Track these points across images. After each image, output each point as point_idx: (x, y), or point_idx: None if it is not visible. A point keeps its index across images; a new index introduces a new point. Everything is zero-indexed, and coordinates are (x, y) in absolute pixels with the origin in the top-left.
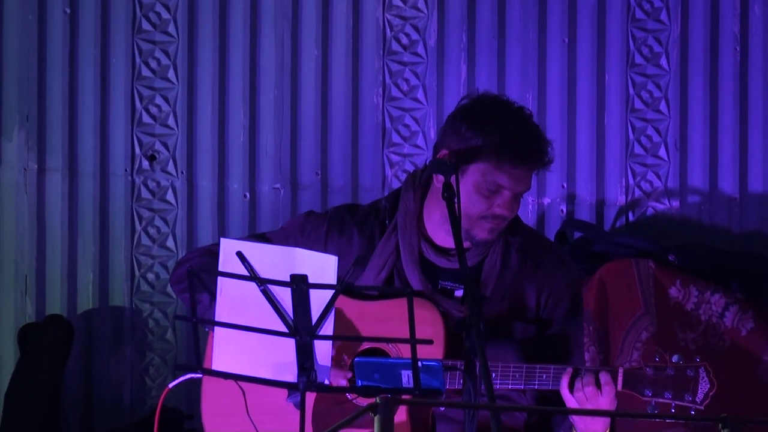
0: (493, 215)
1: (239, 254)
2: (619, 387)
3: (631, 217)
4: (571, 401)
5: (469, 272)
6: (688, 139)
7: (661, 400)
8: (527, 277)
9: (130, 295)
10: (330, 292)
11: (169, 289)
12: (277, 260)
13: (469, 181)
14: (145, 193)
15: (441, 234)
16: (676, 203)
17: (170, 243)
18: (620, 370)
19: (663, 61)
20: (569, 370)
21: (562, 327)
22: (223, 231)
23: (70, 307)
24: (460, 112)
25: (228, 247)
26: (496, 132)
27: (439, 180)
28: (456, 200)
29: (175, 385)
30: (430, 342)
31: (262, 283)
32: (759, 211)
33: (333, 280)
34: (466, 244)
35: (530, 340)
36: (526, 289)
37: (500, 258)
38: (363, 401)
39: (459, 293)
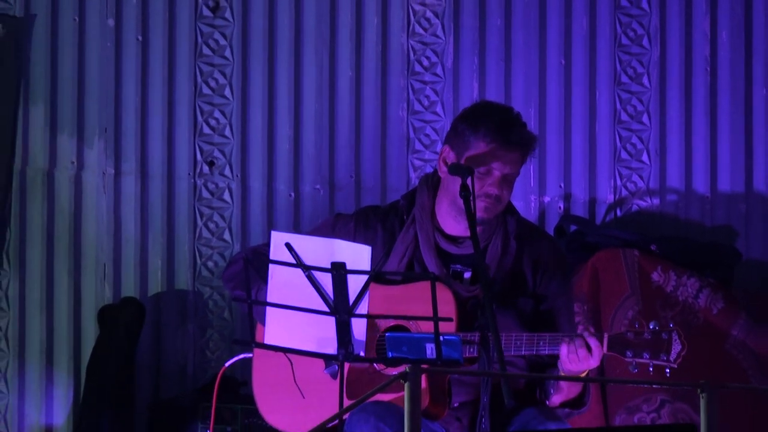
0: (486, 194)
1: (287, 245)
2: (605, 350)
3: (618, 213)
4: (566, 362)
5: (482, 260)
6: (666, 146)
7: (640, 360)
8: (524, 259)
9: (193, 280)
10: (365, 277)
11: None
12: (319, 250)
13: (466, 166)
14: (205, 194)
15: (450, 223)
16: (656, 201)
17: (227, 236)
18: (605, 335)
19: (645, 80)
20: (562, 338)
21: (555, 299)
22: (271, 225)
23: (142, 290)
24: (459, 115)
25: (278, 239)
26: (486, 125)
27: (455, 182)
28: (472, 199)
29: (231, 363)
30: (450, 320)
31: (307, 270)
32: (727, 208)
33: (367, 267)
34: (462, 229)
35: (529, 311)
36: (524, 268)
37: (501, 244)
38: (390, 371)
39: (467, 275)
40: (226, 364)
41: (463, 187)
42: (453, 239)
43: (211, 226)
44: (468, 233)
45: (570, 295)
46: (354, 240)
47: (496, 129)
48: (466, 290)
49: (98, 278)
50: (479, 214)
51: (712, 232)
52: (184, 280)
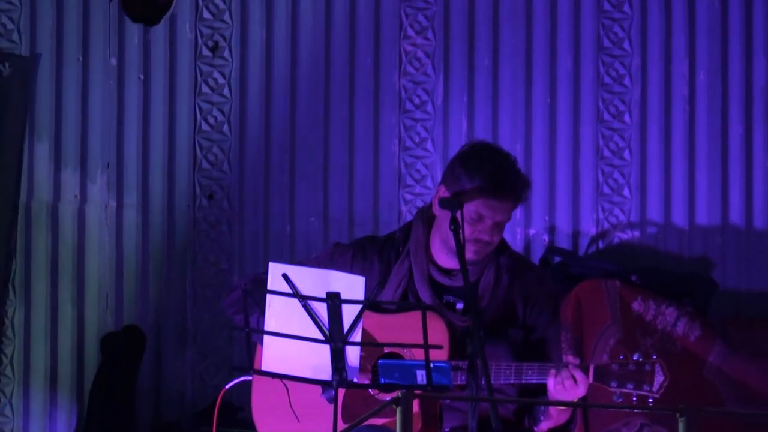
0: (476, 239)
1: (284, 276)
2: (591, 380)
3: (600, 245)
4: (553, 392)
5: (472, 290)
6: (646, 181)
7: (624, 390)
8: (515, 291)
9: (192, 308)
10: (359, 306)
11: (222, 304)
12: (315, 280)
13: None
14: (203, 226)
15: (443, 258)
16: (637, 233)
17: (224, 266)
18: (591, 366)
19: (626, 118)
20: (550, 368)
21: (544, 331)
22: (267, 256)
23: (143, 319)
24: (457, 157)
25: (275, 270)
26: (482, 174)
27: (446, 215)
28: (461, 231)
29: (231, 386)
30: (440, 347)
31: (303, 299)
32: (704, 240)
33: (361, 297)
34: (454, 262)
35: (519, 342)
36: (515, 300)
37: (493, 277)
38: (383, 396)
39: (459, 306)
40: (227, 386)
41: (453, 220)
42: (446, 271)
43: (210, 257)
44: (457, 265)
45: (558, 326)
46: (351, 269)
47: (491, 181)
48: (459, 320)
49: (101, 307)
50: (468, 255)
51: (689, 263)
52: (184, 309)
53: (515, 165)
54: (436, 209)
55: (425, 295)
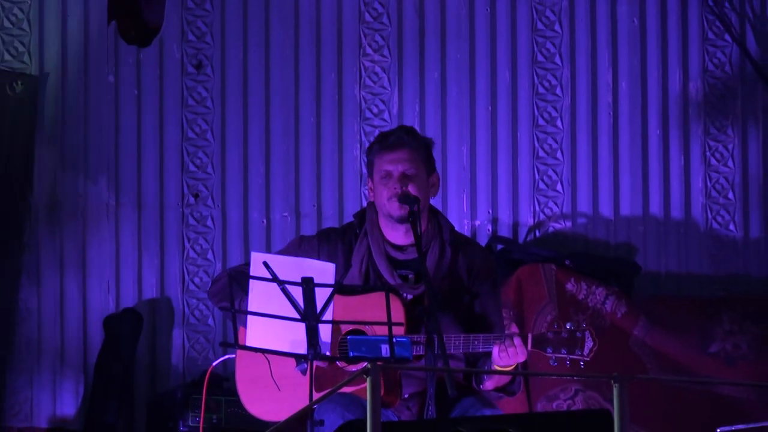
0: (393, 193)
1: (265, 263)
2: (529, 347)
3: (537, 234)
4: (497, 359)
5: (428, 276)
6: (576, 177)
7: (559, 355)
8: (458, 263)
9: (182, 293)
10: (330, 289)
11: (207, 290)
12: (291, 267)
13: (375, 179)
14: (191, 221)
15: (391, 233)
16: (569, 223)
17: (210, 256)
18: (529, 335)
19: (558, 123)
20: (494, 339)
21: (486, 299)
22: (247, 247)
23: (140, 302)
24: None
25: (257, 258)
26: (373, 143)
27: (380, 195)
28: (418, 224)
29: (220, 362)
30: (401, 324)
31: (281, 284)
32: (627, 229)
33: (332, 281)
34: (408, 239)
35: (464, 310)
36: (459, 269)
37: (438, 250)
38: (351, 368)
39: (411, 276)
40: (214, 364)
41: (411, 213)
42: (398, 247)
43: (197, 248)
44: (408, 241)
45: (498, 295)
46: (319, 254)
47: (378, 140)
48: (411, 290)
49: (103, 292)
50: (396, 212)
51: (615, 248)
52: (175, 293)
53: (402, 128)
54: (371, 197)
55: (384, 269)
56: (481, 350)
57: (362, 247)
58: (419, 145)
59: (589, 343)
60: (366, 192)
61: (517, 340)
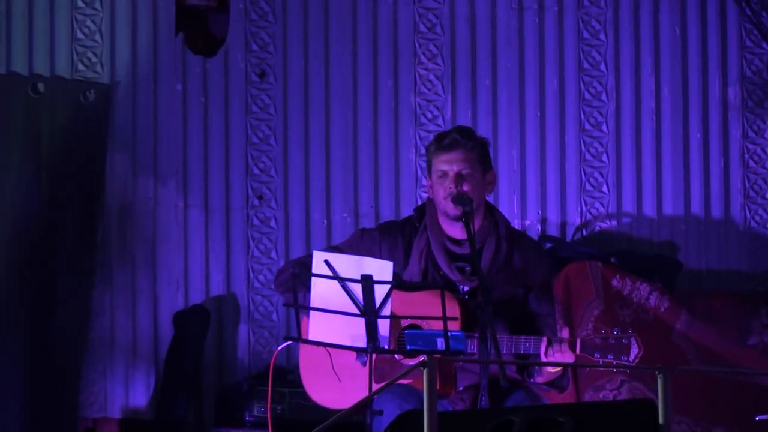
0: (448, 193)
1: (326, 262)
2: (578, 351)
3: (584, 233)
4: (544, 359)
5: (477, 256)
6: (621, 179)
7: (605, 360)
8: (514, 255)
9: (248, 290)
10: (388, 286)
11: (272, 285)
12: (351, 265)
13: (433, 178)
14: (255, 222)
15: (449, 227)
16: (614, 223)
17: (273, 255)
18: (578, 340)
19: (603, 127)
20: (545, 340)
21: (540, 291)
22: (308, 247)
23: (207, 299)
24: None
25: (318, 257)
26: (431, 143)
27: (437, 193)
28: (472, 222)
29: (281, 349)
30: (456, 319)
31: (342, 281)
32: (670, 228)
33: (390, 278)
34: (462, 233)
35: (519, 299)
36: (514, 262)
37: (495, 244)
38: (408, 361)
39: (468, 268)
40: (278, 349)
41: (464, 214)
42: (456, 241)
43: (261, 247)
44: (465, 235)
45: (551, 286)
46: (380, 246)
47: (434, 142)
48: (468, 281)
49: (172, 290)
50: (451, 211)
51: (658, 246)
52: (241, 290)
53: (459, 128)
54: (429, 192)
55: (442, 262)
56: (531, 352)
57: (422, 241)
58: (474, 145)
59: (634, 350)
60: (421, 194)
61: (564, 346)
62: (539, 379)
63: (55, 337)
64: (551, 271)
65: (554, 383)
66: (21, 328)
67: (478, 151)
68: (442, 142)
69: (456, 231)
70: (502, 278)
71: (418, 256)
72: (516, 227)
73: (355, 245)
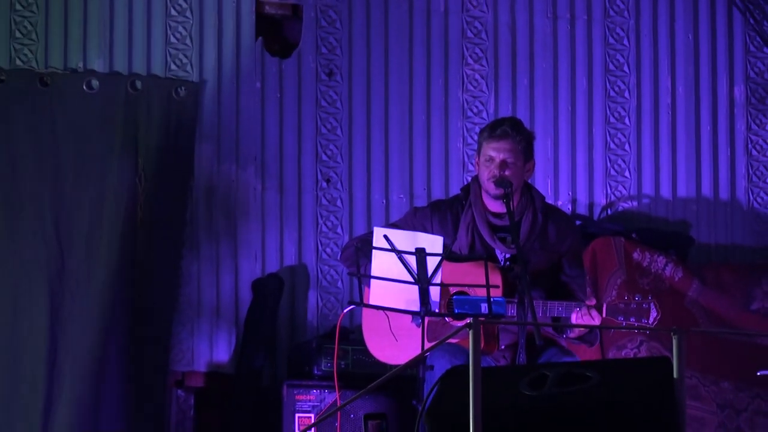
0: (491, 176)
1: (385, 236)
2: (604, 314)
3: (609, 212)
4: (574, 320)
5: (516, 228)
6: (641, 166)
7: (628, 322)
8: (548, 225)
9: (317, 261)
10: (438, 257)
11: (338, 258)
12: (407, 239)
13: (480, 159)
14: (324, 201)
15: (491, 203)
16: (635, 203)
17: (339, 230)
18: (604, 305)
19: (626, 120)
20: (574, 306)
21: (571, 256)
22: (369, 223)
23: (282, 268)
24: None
25: (378, 232)
26: (484, 129)
27: (482, 174)
28: (511, 200)
29: (346, 312)
30: (497, 287)
31: (399, 253)
32: (683, 208)
33: (440, 251)
34: (502, 207)
35: (554, 265)
36: (549, 231)
37: (531, 216)
38: (456, 323)
39: (508, 238)
40: (344, 311)
41: (505, 195)
42: (497, 215)
43: (328, 224)
44: (504, 209)
45: (580, 252)
46: (431, 221)
47: (488, 128)
48: (509, 248)
49: (251, 260)
50: (492, 190)
51: (673, 224)
52: (311, 261)
53: (510, 120)
54: (476, 168)
55: (485, 233)
56: (564, 315)
57: (467, 216)
58: (522, 138)
59: (653, 313)
60: (467, 177)
61: (592, 310)
62: (571, 335)
63: (151, 300)
64: (580, 241)
65: (584, 338)
66: (125, 292)
67: (523, 144)
68: (495, 131)
69: (497, 206)
70: (539, 246)
71: (465, 229)
72: None
73: (410, 222)
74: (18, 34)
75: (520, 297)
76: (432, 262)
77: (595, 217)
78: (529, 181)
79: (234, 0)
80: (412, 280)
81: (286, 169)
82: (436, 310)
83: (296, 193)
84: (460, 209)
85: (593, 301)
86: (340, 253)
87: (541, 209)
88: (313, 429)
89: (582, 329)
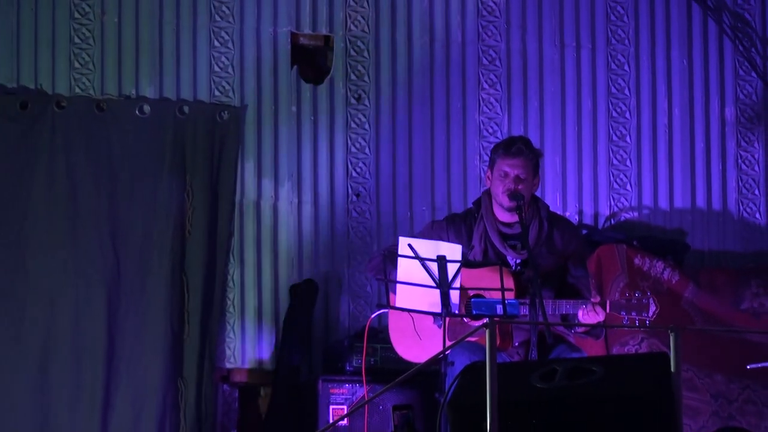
0: (505, 189)
1: (410, 245)
2: (608, 310)
3: (612, 222)
4: (581, 319)
5: (524, 236)
6: (642, 180)
7: (629, 316)
8: (554, 232)
9: (347, 267)
10: (458, 264)
11: (364, 268)
12: (429, 248)
13: (494, 174)
14: (354, 214)
15: (502, 214)
16: (636, 214)
17: (368, 240)
18: (608, 302)
19: (627, 139)
20: (581, 304)
21: (575, 259)
22: (396, 233)
23: (316, 274)
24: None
25: (403, 241)
26: (498, 146)
27: (495, 187)
28: (524, 214)
29: (375, 315)
30: (511, 290)
31: (422, 260)
32: (679, 217)
33: (459, 258)
34: (514, 218)
35: (559, 266)
36: (554, 237)
37: (538, 224)
38: (474, 323)
39: (518, 245)
40: (372, 315)
41: (518, 207)
42: (507, 225)
43: (358, 233)
44: (513, 219)
45: (584, 255)
46: (447, 233)
47: (503, 145)
48: (518, 254)
49: (289, 267)
50: (506, 203)
51: (671, 232)
52: (343, 267)
53: (522, 139)
54: (487, 182)
55: (497, 241)
56: (572, 313)
57: (480, 228)
58: (533, 156)
59: (652, 308)
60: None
61: (598, 308)
62: (579, 330)
63: (200, 303)
64: (584, 245)
65: (590, 332)
66: (175, 297)
67: (534, 161)
68: (510, 149)
69: (506, 216)
70: (546, 251)
71: (478, 239)
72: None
73: (428, 233)
74: (77, 65)
75: (531, 299)
76: (452, 269)
77: (600, 226)
78: (536, 193)
79: (271, 32)
80: (434, 284)
81: (319, 185)
82: (456, 312)
83: (329, 206)
84: (473, 221)
85: (597, 299)
86: (368, 261)
87: (547, 218)
88: (345, 419)
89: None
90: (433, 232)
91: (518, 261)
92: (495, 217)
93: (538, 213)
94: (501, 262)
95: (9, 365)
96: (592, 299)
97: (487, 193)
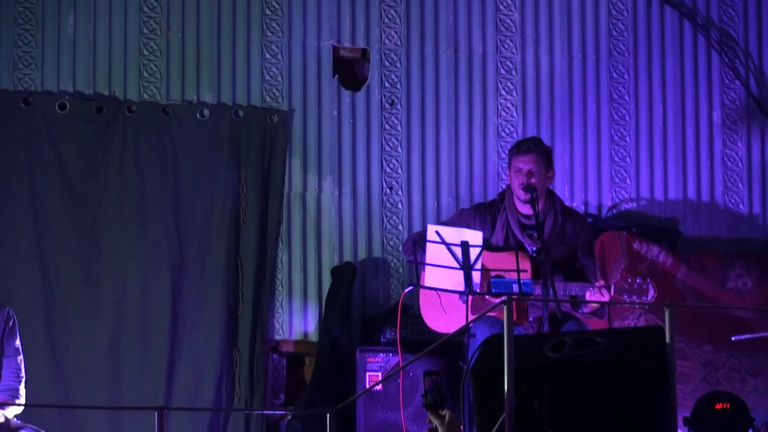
0: (520, 183)
1: (437, 232)
2: (612, 293)
3: (614, 211)
4: (588, 298)
5: (540, 227)
6: (639, 174)
7: (630, 299)
8: (566, 224)
9: (382, 251)
10: (479, 248)
11: (399, 248)
12: (454, 234)
13: (511, 171)
14: (388, 204)
15: (521, 207)
16: (635, 204)
17: (400, 228)
18: (612, 285)
19: (627, 139)
20: (588, 286)
21: (584, 248)
22: (424, 221)
23: (355, 257)
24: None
25: (431, 228)
26: (513, 146)
27: (514, 183)
28: (537, 203)
29: (406, 292)
30: (526, 271)
31: (448, 245)
32: (673, 207)
33: (480, 243)
34: (530, 210)
35: (570, 254)
36: (567, 229)
37: (553, 217)
38: (494, 300)
39: (535, 234)
40: (404, 292)
41: (532, 199)
42: (526, 216)
43: (392, 222)
44: (532, 212)
45: (592, 244)
46: (474, 220)
47: (515, 147)
48: (535, 243)
49: (331, 251)
50: (522, 196)
51: (665, 220)
52: (378, 251)
53: (533, 138)
54: (508, 180)
55: (517, 230)
56: (579, 294)
57: (503, 217)
58: (543, 152)
59: (651, 292)
60: (501, 185)
61: (603, 291)
62: (586, 310)
63: (252, 283)
64: (592, 236)
65: (596, 312)
66: (231, 277)
67: (544, 156)
68: (521, 148)
69: (526, 209)
70: (559, 241)
71: (501, 227)
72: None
73: (456, 220)
74: (145, 74)
75: (544, 280)
76: (474, 252)
77: (603, 215)
78: (551, 187)
79: (316, 46)
80: (458, 266)
81: (357, 179)
82: (478, 290)
83: (366, 197)
84: (497, 211)
85: (602, 283)
86: (401, 245)
87: (561, 211)
88: (380, 384)
89: (594, 306)
90: (461, 219)
91: (534, 249)
92: (516, 209)
93: (553, 206)
94: (518, 248)
95: (86, 337)
96: (598, 283)
97: (509, 188)
